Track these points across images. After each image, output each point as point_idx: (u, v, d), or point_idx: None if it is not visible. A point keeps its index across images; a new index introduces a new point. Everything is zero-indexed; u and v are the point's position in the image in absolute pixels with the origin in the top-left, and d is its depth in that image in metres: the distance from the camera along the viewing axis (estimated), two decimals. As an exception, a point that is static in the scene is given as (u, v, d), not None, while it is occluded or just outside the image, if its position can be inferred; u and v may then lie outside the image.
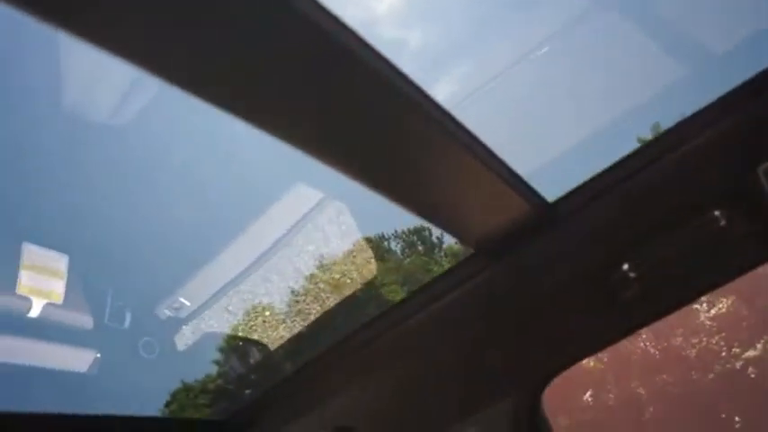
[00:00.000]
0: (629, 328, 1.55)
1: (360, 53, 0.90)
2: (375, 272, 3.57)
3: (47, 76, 2.68)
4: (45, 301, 2.50)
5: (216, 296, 3.05)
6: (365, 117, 1.04)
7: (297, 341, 3.22)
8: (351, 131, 1.06)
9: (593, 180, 1.52)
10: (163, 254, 2.91)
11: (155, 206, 2.86)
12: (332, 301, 3.48)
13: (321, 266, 3.42)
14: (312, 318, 3.50)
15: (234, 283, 3.06)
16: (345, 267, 3.48)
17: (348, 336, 1.67)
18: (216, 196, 2.93)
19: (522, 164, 1.43)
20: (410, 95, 1.04)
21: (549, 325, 1.61)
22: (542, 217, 1.51)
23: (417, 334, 1.62)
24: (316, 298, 3.48)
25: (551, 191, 1.57)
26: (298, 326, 3.47)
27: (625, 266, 1.45)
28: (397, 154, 1.17)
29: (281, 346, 3.34)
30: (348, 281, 3.52)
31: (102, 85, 2.92)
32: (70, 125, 2.76)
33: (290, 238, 3.06)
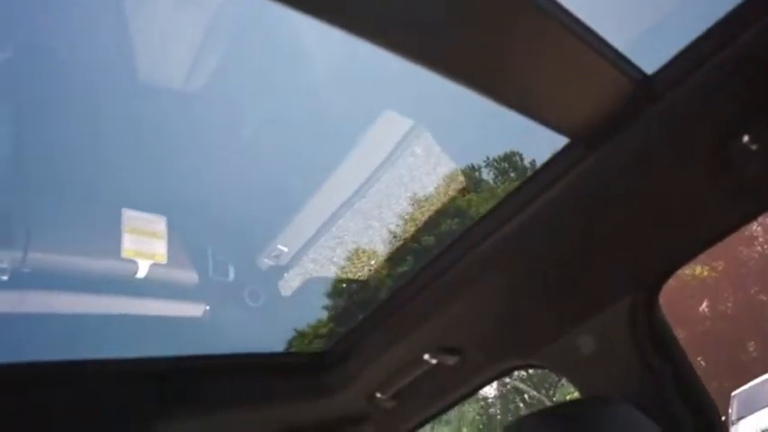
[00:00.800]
0: (755, 209, 1.35)
1: None
2: (469, 202, 3.46)
3: (118, 48, 2.71)
4: (150, 262, 2.57)
5: (313, 239, 3.05)
6: None
7: (393, 273, 3.18)
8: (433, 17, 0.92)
9: (694, 45, 1.29)
10: (256, 205, 2.92)
11: (242, 160, 2.85)
12: (425, 234, 3.41)
13: (413, 199, 3.34)
14: (407, 251, 3.46)
15: (328, 224, 3.05)
16: (438, 199, 3.40)
17: (444, 252, 1.55)
18: (301, 141, 2.88)
19: (612, 35, 1.24)
20: None
21: (660, 215, 1.43)
22: (642, 93, 1.31)
23: (517, 240, 1.46)
24: (409, 232, 3.42)
25: (648, 63, 1.36)
26: (393, 259, 3.44)
27: (745, 138, 1.25)
28: (482, 34, 1.04)
29: (380, 279, 3.33)
30: (441, 213, 3.43)
31: (172, 53, 2.93)
32: (149, 95, 2.79)
33: (380, 173, 3.00)
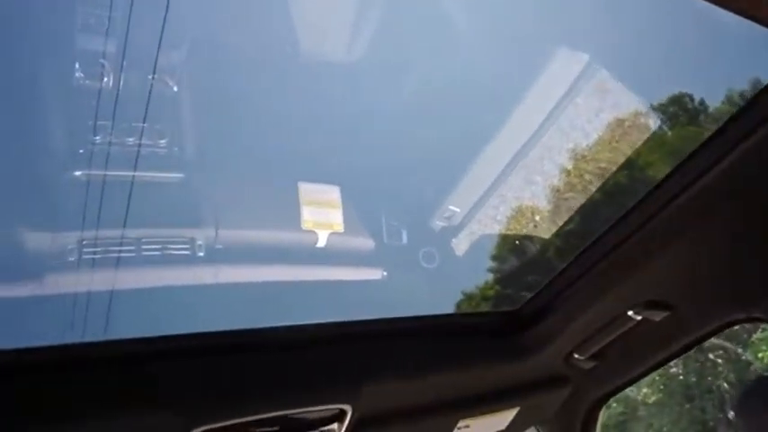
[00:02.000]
0: None
1: None
2: (638, 151, 3.19)
3: (282, 30, 2.78)
4: (328, 232, 2.64)
5: (484, 197, 2.98)
6: None
7: (571, 228, 3.03)
8: None
9: None
10: (425, 168, 2.89)
11: (408, 125, 2.83)
12: (596, 187, 3.21)
13: (583, 150, 3.15)
14: (581, 203, 3.27)
15: (498, 180, 2.95)
16: (608, 149, 3.18)
17: (649, 197, 1.39)
18: (465, 101, 2.80)
19: None
20: None
21: None
22: None
23: (737, 178, 1.27)
24: (582, 183, 3.24)
25: None
26: (569, 213, 3.28)
27: None
28: None
29: (558, 235, 3.18)
30: (611, 164, 3.21)
31: (330, 25, 2.95)
32: (314, 69, 2.83)
33: (550, 122, 2.86)
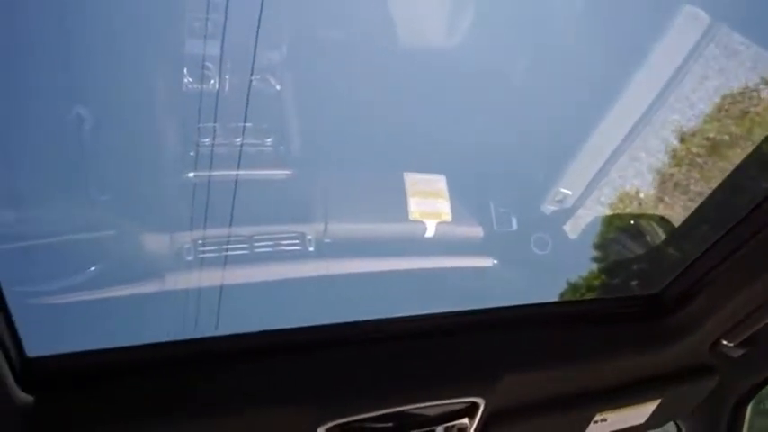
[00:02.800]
0: None
1: None
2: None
3: (377, 16, 2.76)
4: (436, 221, 2.59)
5: (597, 176, 2.84)
6: None
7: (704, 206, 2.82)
8: None
9: None
10: (533, 152, 2.78)
11: (513, 108, 2.72)
12: (715, 165, 2.96)
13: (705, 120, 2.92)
14: (708, 183, 3.04)
15: (613, 158, 2.80)
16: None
17: None
18: (570, 79, 2.66)
19: None
20: None
21: None
22: None
23: None
24: (703, 162, 3.00)
25: None
26: (695, 192, 3.06)
27: None
28: None
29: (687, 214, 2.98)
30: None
31: (430, 11, 2.90)
32: (415, 57, 2.79)
33: (663, 96, 2.68)
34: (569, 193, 2.87)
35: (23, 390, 0.84)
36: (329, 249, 2.41)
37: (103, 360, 1.01)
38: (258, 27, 2.39)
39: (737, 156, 2.95)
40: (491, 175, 2.78)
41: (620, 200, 3.08)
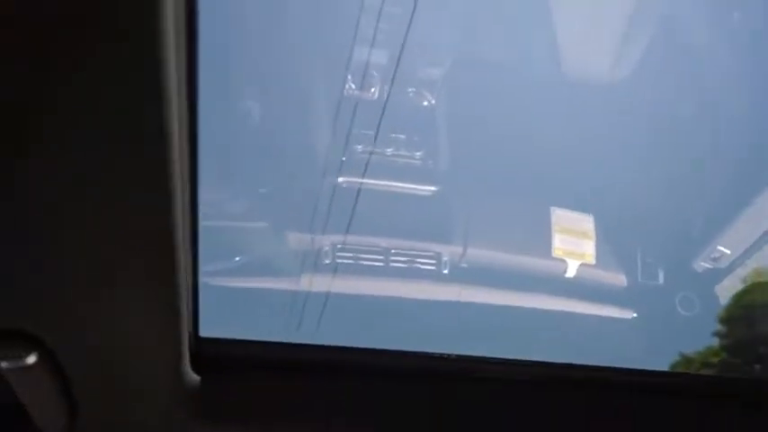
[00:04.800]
0: None
1: None
2: None
3: (542, 43, 2.69)
4: (579, 262, 2.47)
5: (762, 240, 2.60)
6: None
7: None
8: None
9: None
10: (691, 201, 2.60)
11: (675, 152, 2.55)
12: None
13: None
14: None
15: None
16: None
17: None
18: (737, 128, 2.48)
19: None
20: None
21: None
22: None
23: None
24: None
25: None
26: None
27: None
28: None
29: None
30: None
31: (596, 45, 2.79)
32: (568, 88, 2.70)
33: None
34: (728, 252, 2.64)
35: (193, 369, 0.84)
36: (464, 274, 2.36)
37: (266, 352, 1.00)
38: (421, 43, 2.39)
39: None
40: (643, 221, 2.62)
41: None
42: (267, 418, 0.94)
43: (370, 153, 2.36)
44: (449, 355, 1.25)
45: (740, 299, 2.67)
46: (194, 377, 0.84)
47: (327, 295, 2.14)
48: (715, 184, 2.61)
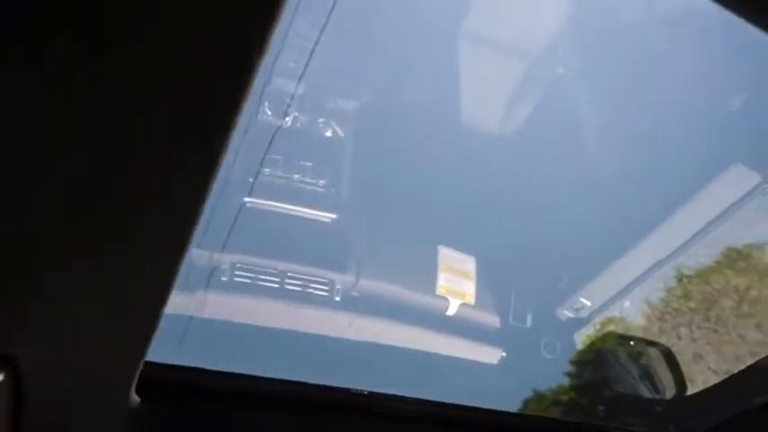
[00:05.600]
0: None
1: None
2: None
3: (446, 94, 2.85)
4: (459, 302, 2.61)
5: (619, 295, 2.88)
6: None
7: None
8: None
9: None
10: (565, 254, 2.82)
11: (554, 208, 2.78)
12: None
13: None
14: (735, 347, 3.07)
15: (639, 281, 2.86)
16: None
17: None
18: (623, 194, 2.74)
19: None
20: None
21: None
22: None
23: None
24: (738, 321, 3.05)
25: None
26: (719, 361, 3.08)
27: None
28: None
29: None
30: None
31: (491, 96, 3.00)
32: (467, 136, 2.88)
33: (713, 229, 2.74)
34: (588, 303, 2.90)
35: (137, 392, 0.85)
36: (356, 303, 2.43)
37: (209, 380, 1.02)
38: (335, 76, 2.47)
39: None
40: (521, 268, 2.82)
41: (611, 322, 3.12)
42: None
43: (277, 177, 2.41)
44: (364, 391, 1.31)
45: (591, 344, 2.93)
46: (136, 400, 0.85)
47: (220, 312, 2.15)
48: (584, 240, 2.83)
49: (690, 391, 2.62)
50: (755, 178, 2.55)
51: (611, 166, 2.79)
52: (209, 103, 0.51)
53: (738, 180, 2.54)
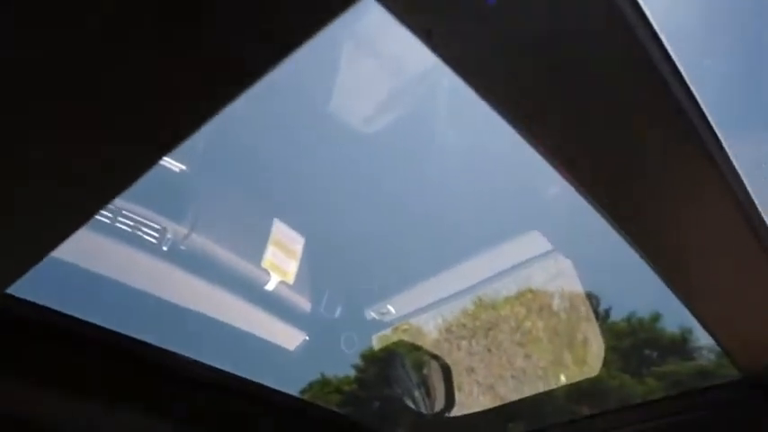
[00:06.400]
0: None
1: None
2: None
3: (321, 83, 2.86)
4: (279, 279, 2.64)
5: (419, 311, 3.09)
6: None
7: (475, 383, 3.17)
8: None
9: None
10: (388, 259, 2.97)
11: (391, 214, 2.92)
12: (525, 357, 3.39)
13: (524, 317, 3.34)
14: (504, 379, 3.41)
15: (438, 304, 3.08)
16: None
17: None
18: (453, 219, 2.93)
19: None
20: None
21: None
22: None
23: None
24: (511, 347, 3.40)
25: None
26: (487, 377, 3.40)
27: None
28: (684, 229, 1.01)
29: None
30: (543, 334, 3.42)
31: (364, 94, 3.04)
32: (330, 127, 2.92)
33: (502, 278, 3.02)
34: (393, 311, 3.07)
35: None
36: (180, 256, 2.36)
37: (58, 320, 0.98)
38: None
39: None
40: (345, 263, 2.92)
41: (440, 338, 3.33)
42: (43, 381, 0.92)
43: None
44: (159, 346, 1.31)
45: (384, 346, 3.13)
46: None
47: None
48: (410, 250, 2.98)
49: (457, 400, 2.89)
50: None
51: (461, 185, 2.97)
52: None
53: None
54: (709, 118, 0.84)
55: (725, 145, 0.89)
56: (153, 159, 0.58)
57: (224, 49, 0.51)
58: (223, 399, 1.55)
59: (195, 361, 1.48)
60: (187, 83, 0.52)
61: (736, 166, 0.93)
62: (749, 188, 0.95)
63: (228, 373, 1.60)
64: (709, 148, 0.85)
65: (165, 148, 0.56)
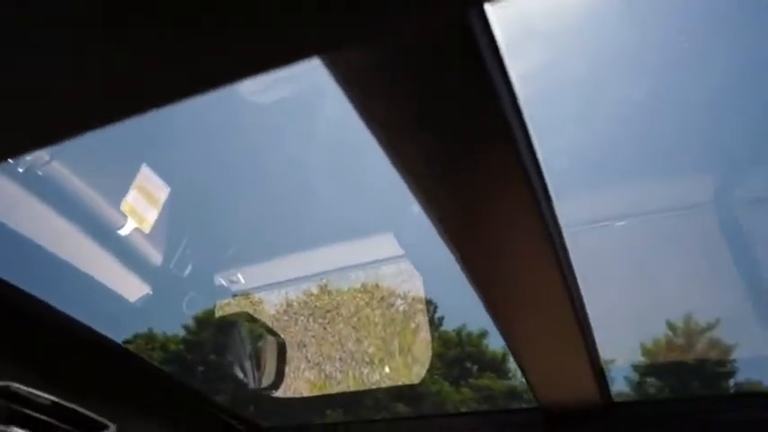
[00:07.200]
0: None
1: None
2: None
3: None
4: (135, 226, 2.56)
5: (267, 287, 3.11)
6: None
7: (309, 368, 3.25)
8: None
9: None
10: (248, 229, 2.97)
11: (263, 187, 2.94)
12: (353, 348, 3.50)
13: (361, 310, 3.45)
14: (332, 359, 3.50)
15: (286, 284, 3.13)
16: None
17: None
18: (321, 205, 3.00)
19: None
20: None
21: None
22: (605, 411, 1.62)
23: None
24: (345, 329, 3.50)
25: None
26: (317, 354, 3.47)
27: None
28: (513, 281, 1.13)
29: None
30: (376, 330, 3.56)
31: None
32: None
33: (354, 271, 3.12)
34: (242, 280, 3.08)
35: None
36: (34, 182, 2.24)
37: None
38: None
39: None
40: (204, 221, 2.89)
41: (280, 318, 3.36)
42: None
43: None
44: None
45: (224, 311, 3.13)
46: None
47: None
48: (275, 224, 3.00)
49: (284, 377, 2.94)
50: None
51: (337, 174, 3.04)
52: None
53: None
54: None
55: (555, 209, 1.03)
56: None
57: None
58: (42, 332, 1.53)
59: (21, 290, 1.45)
60: None
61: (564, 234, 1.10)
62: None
63: (54, 308, 1.57)
64: (543, 210, 0.97)
65: None
